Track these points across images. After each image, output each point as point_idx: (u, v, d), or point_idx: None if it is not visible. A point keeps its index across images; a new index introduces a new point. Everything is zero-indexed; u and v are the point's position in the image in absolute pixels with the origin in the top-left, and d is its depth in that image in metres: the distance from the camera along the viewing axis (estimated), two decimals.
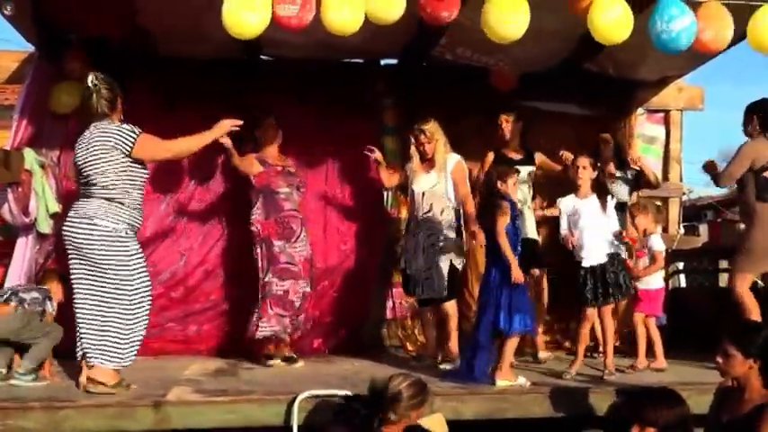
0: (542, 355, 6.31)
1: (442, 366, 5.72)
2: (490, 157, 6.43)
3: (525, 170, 6.35)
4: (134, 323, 4.73)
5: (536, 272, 6.38)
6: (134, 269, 4.73)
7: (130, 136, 4.68)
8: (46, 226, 6.30)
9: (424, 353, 6.31)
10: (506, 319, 4.99)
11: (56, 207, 6.29)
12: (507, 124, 6.47)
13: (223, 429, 4.41)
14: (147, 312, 4.85)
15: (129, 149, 4.67)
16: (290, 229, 6.10)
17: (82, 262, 4.70)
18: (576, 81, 7.18)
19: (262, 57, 6.85)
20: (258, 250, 6.10)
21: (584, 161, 5.62)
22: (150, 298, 4.87)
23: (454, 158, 6.07)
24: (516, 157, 6.44)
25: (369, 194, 7.04)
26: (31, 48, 6.69)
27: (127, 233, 4.72)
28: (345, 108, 7.00)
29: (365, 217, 7.06)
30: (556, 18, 5.30)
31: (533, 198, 6.58)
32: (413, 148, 6.10)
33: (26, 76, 6.51)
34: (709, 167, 6.00)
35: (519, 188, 5.84)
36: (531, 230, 6.29)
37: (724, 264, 8.10)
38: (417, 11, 4.86)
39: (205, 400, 4.49)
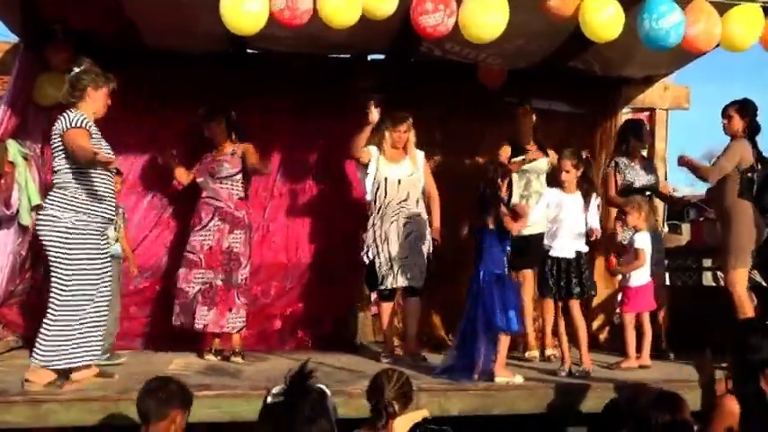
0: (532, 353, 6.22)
1: (422, 362, 5.69)
2: (507, 149, 6.38)
3: (544, 161, 6.40)
4: (63, 324, 4.50)
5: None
6: (72, 264, 4.51)
7: (68, 121, 4.56)
8: (28, 218, 6.24)
9: (406, 349, 6.13)
10: (502, 316, 4.98)
11: (38, 199, 6.22)
12: (526, 117, 6.47)
13: (207, 424, 4.39)
14: (98, 315, 4.67)
15: (62, 131, 4.55)
16: (199, 217, 6.07)
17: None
18: (563, 79, 7.19)
19: (248, 51, 6.81)
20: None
21: (566, 164, 5.60)
22: (98, 299, 4.66)
23: (420, 152, 6.16)
24: (532, 148, 6.43)
25: (352, 188, 7.03)
26: (14, 38, 6.61)
27: (73, 223, 4.51)
28: (332, 103, 6.96)
29: (348, 211, 7.02)
30: (545, 16, 5.29)
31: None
32: (388, 135, 6.05)
33: (10, 66, 6.43)
34: (688, 162, 5.97)
35: (537, 179, 6.18)
36: (541, 224, 5.84)
37: (707, 262, 8.16)
38: (407, 6, 4.85)
39: None
